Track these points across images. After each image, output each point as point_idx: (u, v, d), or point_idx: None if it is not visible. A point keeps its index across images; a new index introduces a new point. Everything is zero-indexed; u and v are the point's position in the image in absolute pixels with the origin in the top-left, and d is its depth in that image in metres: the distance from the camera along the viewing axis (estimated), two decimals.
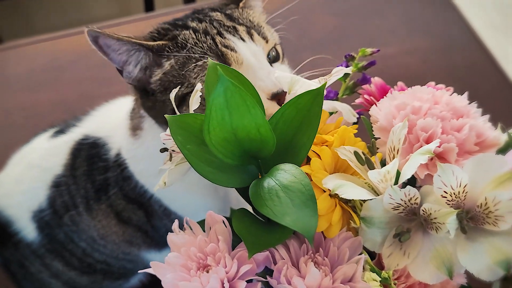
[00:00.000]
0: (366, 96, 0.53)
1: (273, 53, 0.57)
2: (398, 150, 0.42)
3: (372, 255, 0.43)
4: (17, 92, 1.07)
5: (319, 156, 0.43)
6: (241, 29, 0.55)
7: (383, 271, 0.40)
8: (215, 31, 0.55)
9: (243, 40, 0.54)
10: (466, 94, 0.50)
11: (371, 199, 0.42)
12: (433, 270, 0.39)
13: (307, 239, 0.35)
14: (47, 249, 0.71)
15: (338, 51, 1.02)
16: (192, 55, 0.53)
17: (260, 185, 0.39)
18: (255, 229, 0.41)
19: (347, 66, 0.54)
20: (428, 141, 0.44)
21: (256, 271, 0.41)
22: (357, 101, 0.53)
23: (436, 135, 0.44)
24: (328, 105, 0.49)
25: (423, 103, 0.46)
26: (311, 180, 0.42)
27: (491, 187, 0.38)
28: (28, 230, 0.72)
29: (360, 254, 0.41)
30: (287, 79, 0.46)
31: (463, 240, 0.40)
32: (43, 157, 0.70)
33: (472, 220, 0.40)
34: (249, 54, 0.53)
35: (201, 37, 0.54)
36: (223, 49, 0.53)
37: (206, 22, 0.56)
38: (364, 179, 0.43)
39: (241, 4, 0.60)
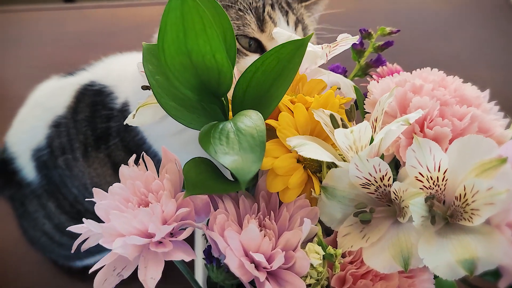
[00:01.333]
0: (375, 78, 0.48)
1: None
2: (380, 120, 0.37)
3: (329, 231, 0.38)
4: (69, 48, 1.10)
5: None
6: (291, 17, 0.57)
7: (329, 247, 0.35)
8: (270, 1, 0.56)
9: (288, 24, 0.55)
10: (487, 91, 0.45)
11: (337, 168, 0.37)
12: (388, 258, 0.34)
13: (241, 184, 0.31)
14: (44, 190, 0.71)
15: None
16: (237, 5, 0.54)
17: (215, 126, 0.36)
18: (204, 175, 0.37)
19: (361, 42, 0.50)
20: (420, 123, 0.39)
21: (195, 218, 0.37)
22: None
23: (431, 117, 0.39)
24: (329, 78, 0.46)
25: (427, 83, 0.41)
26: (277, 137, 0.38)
27: (473, 175, 0.33)
28: (28, 169, 0.72)
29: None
30: (285, 36, 0.43)
31: (432, 233, 0.34)
32: (48, 96, 0.70)
33: (452, 217, 0.35)
34: (285, 34, 0.52)
35: (248, 4, 0.55)
36: (266, 16, 0.54)
37: None
38: (339, 150, 0.39)
39: (304, 3, 0.62)
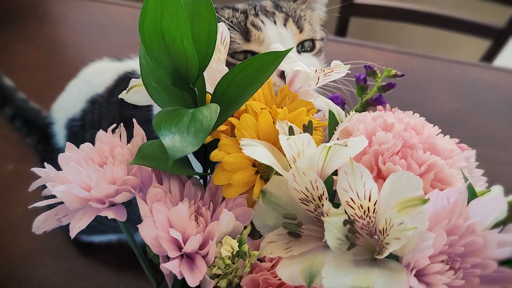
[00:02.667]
0: None
1: (309, 45, 0.60)
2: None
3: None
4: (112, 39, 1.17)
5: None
6: (279, 15, 0.58)
7: (245, 245, 0.36)
8: (253, 12, 0.59)
9: (275, 23, 0.57)
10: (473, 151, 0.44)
11: (279, 176, 0.38)
12: (296, 271, 0.34)
13: (169, 160, 0.33)
14: None
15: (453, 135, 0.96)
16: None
17: (177, 109, 0.38)
18: (160, 154, 0.40)
19: (365, 79, 0.50)
20: (375, 156, 0.39)
21: (143, 189, 0.40)
22: None
23: (389, 154, 0.39)
24: (316, 101, 0.47)
25: (400, 123, 0.41)
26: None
27: (395, 210, 0.33)
28: (60, 136, 0.79)
29: (245, 227, 0.38)
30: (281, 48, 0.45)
31: (347, 260, 0.34)
32: (94, 74, 0.77)
33: (379, 253, 0.35)
34: (273, 35, 0.56)
35: (236, 15, 0.58)
36: (250, 26, 0.56)
37: (251, 5, 0.60)
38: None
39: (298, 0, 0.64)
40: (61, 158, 0.40)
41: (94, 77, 0.77)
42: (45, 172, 0.40)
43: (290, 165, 0.39)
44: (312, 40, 0.60)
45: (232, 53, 0.57)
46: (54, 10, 1.21)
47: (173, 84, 0.39)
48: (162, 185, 0.39)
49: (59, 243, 0.88)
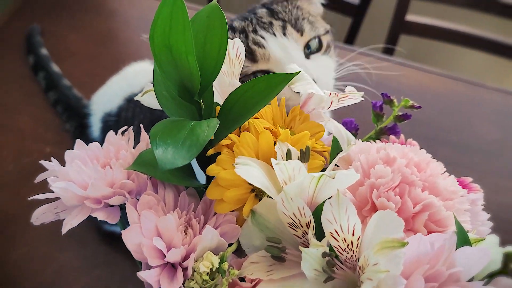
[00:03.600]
0: None
1: (316, 45, 0.58)
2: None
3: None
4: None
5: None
6: (276, 24, 0.57)
7: (226, 262, 0.36)
8: (251, 28, 0.57)
9: (275, 35, 0.55)
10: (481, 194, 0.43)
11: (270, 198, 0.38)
12: None
13: (159, 169, 0.34)
14: None
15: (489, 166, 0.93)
16: None
17: (179, 121, 0.39)
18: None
19: (381, 107, 0.50)
20: (371, 189, 0.38)
21: (135, 192, 0.41)
22: None
23: (385, 189, 0.38)
24: (326, 124, 0.47)
25: (403, 158, 0.40)
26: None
27: (375, 249, 0.32)
28: (95, 128, 0.82)
29: (231, 244, 0.38)
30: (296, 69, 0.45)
31: None
32: (135, 74, 0.79)
33: None
34: (277, 49, 0.55)
35: (236, 36, 0.57)
36: (252, 46, 0.55)
37: (247, 20, 0.58)
38: None
39: None
40: (67, 154, 0.42)
41: (134, 77, 0.79)
42: (52, 166, 0.42)
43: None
44: (318, 37, 0.58)
45: (243, 77, 0.56)
46: (107, 4, 1.25)
47: (179, 96, 0.40)
48: (157, 192, 0.40)
49: (82, 229, 0.91)
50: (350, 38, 1.43)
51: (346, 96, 0.46)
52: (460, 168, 0.95)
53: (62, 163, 0.43)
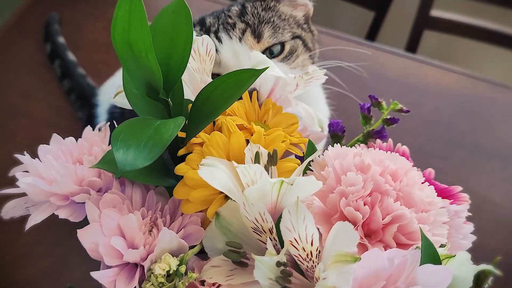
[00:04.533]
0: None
1: (277, 50, 0.56)
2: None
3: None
4: None
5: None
6: (238, 27, 0.55)
7: (183, 265, 0.35)
8: (214, 28, 0.55)
9: (231, 38, 0.54)
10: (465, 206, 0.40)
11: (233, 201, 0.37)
12: None
13: (117, 172, 0.33)
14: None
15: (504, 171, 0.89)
16: None
17: (147, 119, 0.38)
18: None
19: (369, 109, 0.48)
20: (340, 197, 0.37)
21: (98, 189, 0.40)
22: None
23: (354, 196, 0.36)
24: (295, 108, 0.45)
25: (377, 165, 0.38)
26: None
27: (331, 261, 0.31)
28: (101, 119, 0.82)
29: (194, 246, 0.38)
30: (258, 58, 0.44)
31: None
32: None
33: None
34: (229, 55, 0.53)
35: (201, 34, 0.55)
36: None
37: (217, 17, 0.57)
38: None
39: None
40: (40, 149, 0.42)
41: None
42: (25, 160, 0.42)
43: None
44: (281, 43, 0.56)
45: None
46: None
47: (147, 94, 0.39)
48: (125, 190, 0.39)
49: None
50: (372, 33, 1.40)
51: (311, 78, 0.44)
52: (475, 172, 0.92)
53: None
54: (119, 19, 0.35)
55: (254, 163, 0.38)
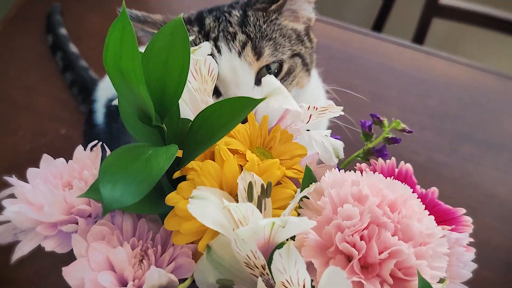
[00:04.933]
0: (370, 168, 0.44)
1: (275, 68, 0.54)
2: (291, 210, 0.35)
3: None
4: None
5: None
6: (239, 39, 0.53)
7: None
8: (214, 34, 0.53)
9: (230, 51, 0.52)
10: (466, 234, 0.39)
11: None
12: None
13: (103, 211, 0.32)
14: (106, 136, 0.80)
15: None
16: None
17: (134, 148, 0.37)
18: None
19: (370, 127, 0.46)
20: (336, 231, 0.35)
21: (89, 214, 0.39)
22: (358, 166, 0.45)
23: (350, 230, 0.35)
24: (305, 138, 0.44)
25: (375, 195, 0.37)
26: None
27: None
28: (99, 113, 0.81)
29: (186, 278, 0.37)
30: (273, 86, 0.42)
31: None
32: None
33: None
34: (227, 69, 0.51)
35: (198, 39, 0.53)
36: None
37: (217, 21, 0.54)
38: None
39: (273, 6, 0.56)
40: (29, 172, 0.41)
41: None
42: (14, 183, 0.41)
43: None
44: (279, 62, 0.54)
45: None
46: None
47: (140, 119, 0.38)
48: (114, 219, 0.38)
49: None
50: (380, 22, 1.36)
51: (326, 109, 0.43)
52: (481, 167, 0.90)
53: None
54: (111, 45, 0.33)
55: (247, 193, 0.36)
